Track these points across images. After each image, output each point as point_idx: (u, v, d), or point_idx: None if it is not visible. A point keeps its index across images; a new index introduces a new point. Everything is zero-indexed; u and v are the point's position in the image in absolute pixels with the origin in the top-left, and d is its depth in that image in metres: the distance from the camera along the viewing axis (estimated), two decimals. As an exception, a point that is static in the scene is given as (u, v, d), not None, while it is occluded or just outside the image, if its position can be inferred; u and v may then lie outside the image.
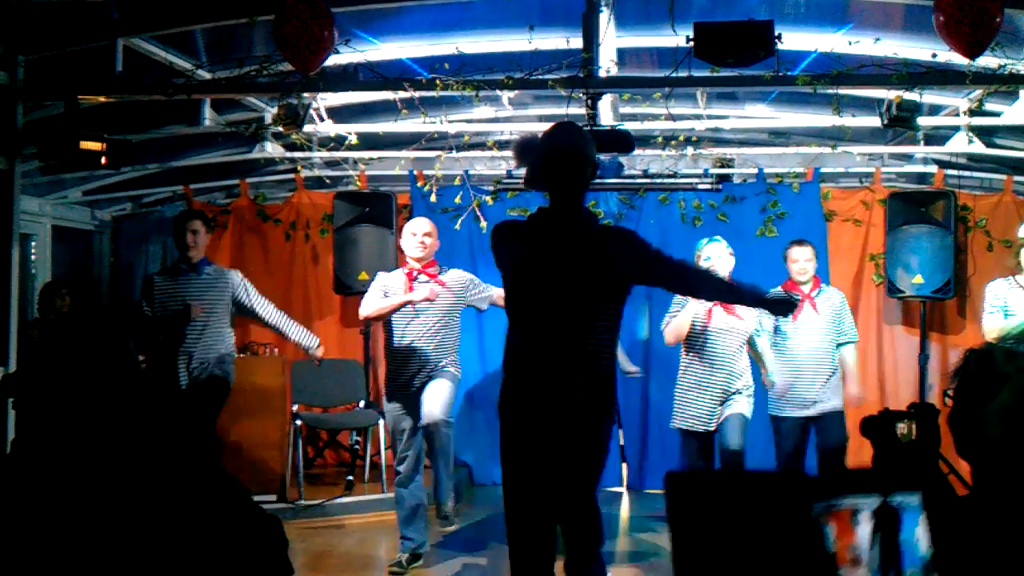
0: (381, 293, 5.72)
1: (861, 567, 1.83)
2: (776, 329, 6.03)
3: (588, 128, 5.86)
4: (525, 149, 4.04)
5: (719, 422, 5.75)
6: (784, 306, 4.64)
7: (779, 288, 6.15)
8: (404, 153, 7.99)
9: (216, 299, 6.47)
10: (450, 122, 7.34)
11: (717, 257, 5.71)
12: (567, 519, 3.92)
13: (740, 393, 5.72)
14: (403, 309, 5.65)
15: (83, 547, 2.04)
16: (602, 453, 3.98)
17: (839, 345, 6.15)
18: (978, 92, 6.29)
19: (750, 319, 5.77)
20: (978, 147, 7.27)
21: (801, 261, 6.16)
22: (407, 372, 5.69)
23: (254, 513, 2.29)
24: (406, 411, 5.73)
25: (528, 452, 3.90)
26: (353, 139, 7.36)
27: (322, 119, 7.29)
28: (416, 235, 5.77)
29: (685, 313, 5.68)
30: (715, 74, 5.77)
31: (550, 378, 3.85)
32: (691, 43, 5.20)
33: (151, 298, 6.41)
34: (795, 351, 6.04)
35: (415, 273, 5.75)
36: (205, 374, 6.34)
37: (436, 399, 5.58)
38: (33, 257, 8.12)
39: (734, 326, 5.72)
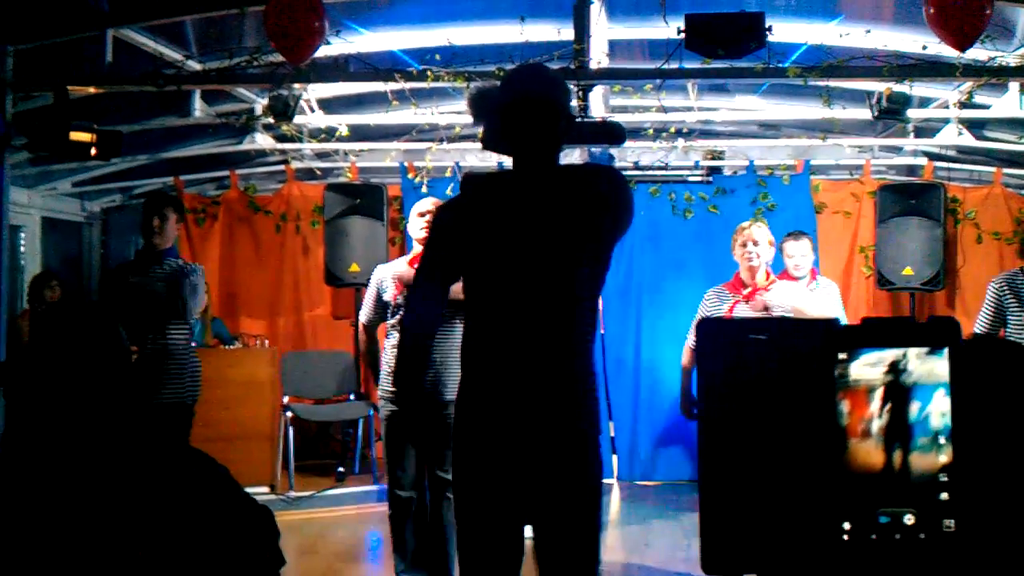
0: (375, 293, 5.18)
1: (870, 438, 1.89)
2: None
3: (579, 119, 5.82)
4: (483, 101, 3.20)
5: None
6: None
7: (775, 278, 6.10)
8: (395, 145, 7.98)
9: (172, 294, 5.42)
10: (441, 114, 7.33)
11: (766, 242, 5.17)
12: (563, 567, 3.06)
13: None
14: (399, 309, 5.06)
15: (74, 537, 2.04)
16: (600, 478, 3.11)
17: None
18: (968, 84, 6.31)
19: (778, 311, 5.17)
20: (968, 139, 7.29)
21: (796, 256, 6.02)
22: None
23: (246, 504, 2.29)
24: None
25: (509, 478, 3.01)
26: (344, 130, 7.36)
27: (312, 110, 7.29)
28: (423, 216, 5.14)
29: None
30: (706, 66, 5.77)
31: (531, 379, 2.97)
32: (682, 35, 5.20)
33: (112, 293, 5.52)
34: None
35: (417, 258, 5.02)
36: (161, 389, 5.29)
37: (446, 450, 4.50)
38: (23, 248, 8.10)
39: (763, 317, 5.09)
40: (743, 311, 5.11)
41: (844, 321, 6.20)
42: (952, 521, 1.90)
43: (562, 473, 2.99)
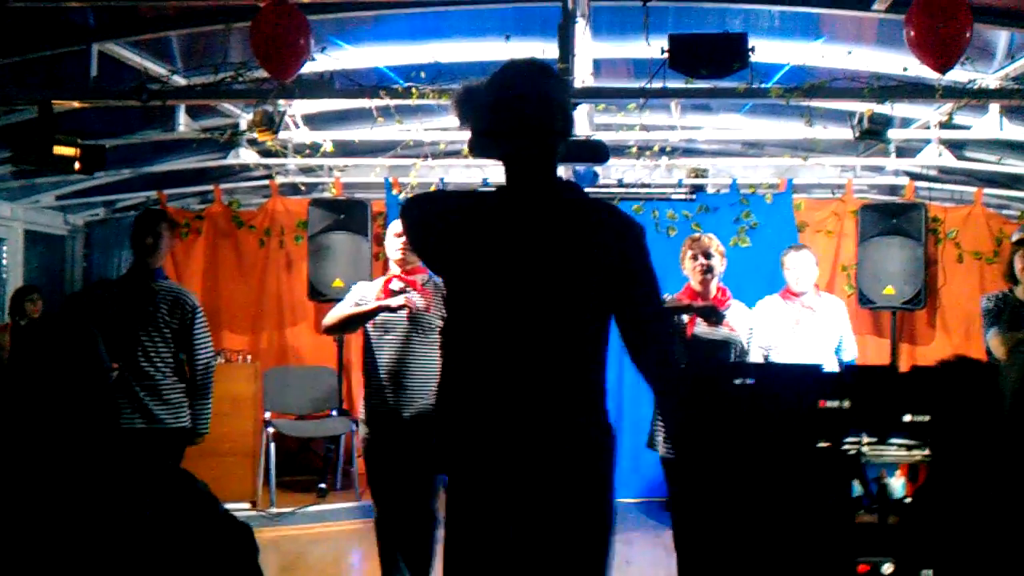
0: (352, 303, 4.89)
1: None
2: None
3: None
4: (470, 100, 2.74)
5: None
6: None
7: (777, 295, 6.05)
8: (380, 160, 8.00)
9: (164, 322, 5.18)
10: (426, 130, 7.35)
11: (718, 253, 5.01)
12: None
13: None
14: (378, 321, 4.80)
15: (53, 554, 2.03)
16: (609, 545, 2.73)
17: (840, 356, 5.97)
18: (948, 106, 6.36)
19: (742, 328, 5.01)
20: (948, 160, 7.35)
21: (797, 269, 5.94)
22: (388, 398, 4.70)
23: (225, 520, 2.29)
24: (388, 451, 4.73)
25: (497, 543, 2.66)
26: (328, 146, 7.36)
27: (297, 126, 7.29)
28: (400, 236, 4.80)
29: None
30: (690, 85, 5.80)
31: (532, 431, 2.56)
32: (666, 54, 5.23)
33: (91, 311, 5.08)
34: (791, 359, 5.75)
35: (393, 279, 4.86)
36: (153, 422, 5.17)
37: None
38: (4, 261, 8.06)
39: (724, 336, 4.95)
40: (701, 328, 4.95)
41: (851, 340, 6.12)
42: (930, 572, 1.90)
43: (568, 540, 2.64)
